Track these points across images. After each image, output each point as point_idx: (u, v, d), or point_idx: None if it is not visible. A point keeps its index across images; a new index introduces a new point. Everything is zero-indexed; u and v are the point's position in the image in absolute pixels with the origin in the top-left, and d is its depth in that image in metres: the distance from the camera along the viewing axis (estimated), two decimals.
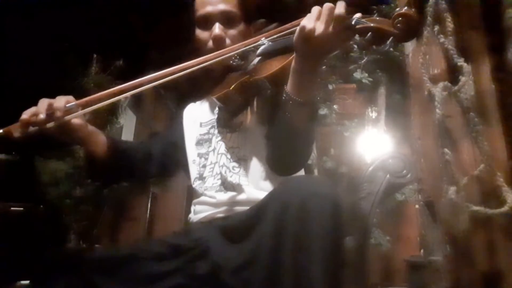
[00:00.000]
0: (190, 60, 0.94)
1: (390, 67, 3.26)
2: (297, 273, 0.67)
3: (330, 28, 0.79)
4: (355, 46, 0.86)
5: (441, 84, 1.43)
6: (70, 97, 0.91)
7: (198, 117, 1.16)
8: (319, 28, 0.79)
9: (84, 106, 0.91)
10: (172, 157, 1.17)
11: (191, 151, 1.11)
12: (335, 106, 3.15)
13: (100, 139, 1.05)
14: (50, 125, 0.87)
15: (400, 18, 0.77)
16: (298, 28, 0.82)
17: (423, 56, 1.48)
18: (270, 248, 0.72)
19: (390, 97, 3.48)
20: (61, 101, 0.88)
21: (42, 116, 0.85)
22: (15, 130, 0.86)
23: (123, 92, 0.92)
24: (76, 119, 0.92)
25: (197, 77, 0.93)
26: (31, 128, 0.86)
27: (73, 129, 0.94)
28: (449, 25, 1.42)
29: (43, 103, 0.88)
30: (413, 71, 1.63)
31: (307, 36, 0.80)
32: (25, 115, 0.86)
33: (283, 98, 0.87)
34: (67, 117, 0.89)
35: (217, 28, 1.04)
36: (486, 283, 1.28)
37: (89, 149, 1.02)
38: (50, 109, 0.87)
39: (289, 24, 0.96)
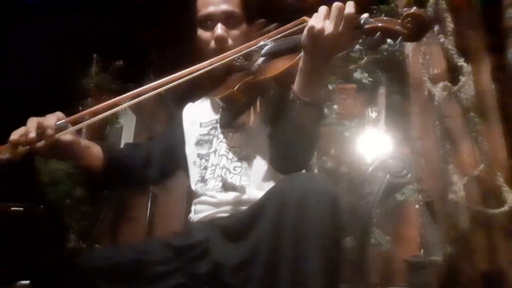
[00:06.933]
0: (191, 60, 0.94)
1: (390, 67, 3.25)
2: (296, 269, 0.68)
3: (339, 28, 0.78)
4: (358, 45, 0.86)
5: (441, 84, 1.43)
6: (60, 114, 0.89)
7: (197, 117, 1.15)
8: (328, 27, 0.79)
9: (75, 122, 0.89)
10: (172, 159, 1.16)
11: (191, 152, 1.11)
12: (335, 106, 3.14)
13: (94, 152, 1.04)
14: (40, 144, 0.84)
15: (410, 18, 0.77)
16: (306, 27, 0.81)
17: (423, 56, 1.49)
18: (269, 246, 0.72)
19: (390, 97, 3.47)
20: (51, 119, 0.86)
21: (32, 135, 0.82)
22: (4, 152, 0.83)
23: (115, 105, 0.89)
24: (67, 136, 0.91)
25: (198, 77, 0.93)
26: (21, 148, 0.83)
27: (64, 146, 0.92)
28: (449, 25, 1.42)
29: (32, 122, 0.85)
30: (413, 71, 1.63)
31: (316, 36, 0.80)
32: (14, 135, 0.83)
33: (290, 97, 0.86)
34: (58, 135, 0.86)
35: (219, 29, 1.04)
36: (486, 283, 1.28)
37: (83, 163, 1.01)
38: (40, 127, 0.84)
39: (291, 24, 0.96)
